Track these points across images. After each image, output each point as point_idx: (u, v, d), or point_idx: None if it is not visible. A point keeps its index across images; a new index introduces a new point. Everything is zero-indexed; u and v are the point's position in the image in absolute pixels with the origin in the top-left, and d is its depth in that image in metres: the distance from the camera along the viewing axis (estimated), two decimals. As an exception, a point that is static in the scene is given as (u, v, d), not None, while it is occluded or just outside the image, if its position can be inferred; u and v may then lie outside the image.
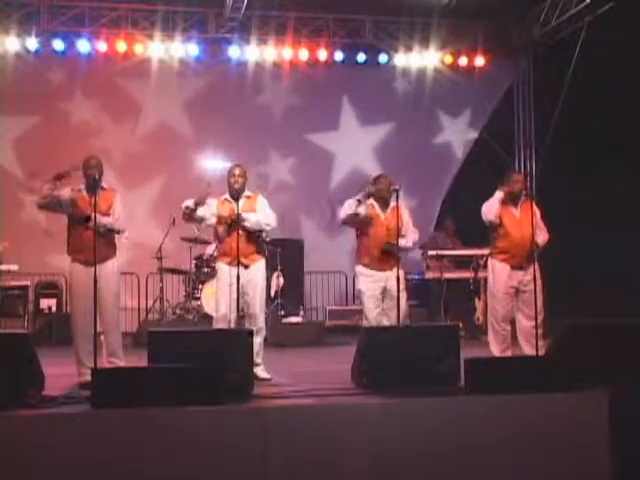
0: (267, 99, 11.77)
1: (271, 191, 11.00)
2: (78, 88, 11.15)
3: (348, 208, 6.26)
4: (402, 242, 6.27)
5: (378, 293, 6.32)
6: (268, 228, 6.36)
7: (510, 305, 6.36)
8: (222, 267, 6.27)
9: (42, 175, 6.49)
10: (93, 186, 5.91)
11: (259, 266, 6.31)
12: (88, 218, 5.77)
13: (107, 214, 5.98)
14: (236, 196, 6.18)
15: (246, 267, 6.15)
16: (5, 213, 10.50)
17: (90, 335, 5.47)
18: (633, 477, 4.57)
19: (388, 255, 6.27)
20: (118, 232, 6.09)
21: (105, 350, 5.97)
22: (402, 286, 6.13)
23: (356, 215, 6.23)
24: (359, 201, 6.22)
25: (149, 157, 11.36)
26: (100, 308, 5.76)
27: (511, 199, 6.48)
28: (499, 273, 6.37)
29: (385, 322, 6.27)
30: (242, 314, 6.21)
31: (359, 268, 6.47)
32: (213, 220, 6.30)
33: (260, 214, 6.29)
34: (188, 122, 11.55)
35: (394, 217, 6.18)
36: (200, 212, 6.20)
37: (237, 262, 5.94)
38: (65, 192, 5.96)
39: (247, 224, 6.16)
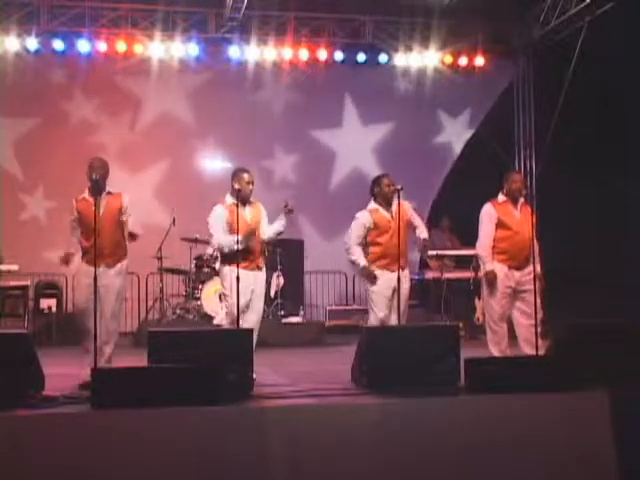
0: (268, 98, 11.75)
1: (272, 190, 11.02)
2: (78, 87, 11.14)
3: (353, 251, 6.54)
4: (423, 234, 6.62)
5: (389, 293, 6.39)
6: None
7: (507, 305, 6.36)
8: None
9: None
10: (94, 187, 5.93)
11: (264, 270, 6.41)
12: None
13: (118, 219, 6.04)
14: (246, 203, 6.23)
15: (259, 269, 6.28)
16: (5, 213, 10.54)
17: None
18: (634, 477, 4.56)
19: (397, 256, 6.36)
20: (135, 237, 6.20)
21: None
22: (407, 286, 6.37)
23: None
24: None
25: (149, 150, 11.36)
26: (102, 309, 5.78)
27: (511, 199, 6.48)
28: (497, 274, 6.37)
29: (393, 320, 6.35)
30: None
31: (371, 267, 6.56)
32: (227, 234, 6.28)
33: (274, 226, 6.42)
34: (188, 120, 11.55)
35: (399, 216, 6.33)
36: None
37: (237, 264, 5.97)
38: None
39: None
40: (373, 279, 6.42)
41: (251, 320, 6.14)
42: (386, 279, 6.38)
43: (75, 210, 6.07)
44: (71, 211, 6.13)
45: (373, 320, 6.45)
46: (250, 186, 6.26)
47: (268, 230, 6.40)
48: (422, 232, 6.65)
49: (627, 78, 9.77)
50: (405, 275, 6.39)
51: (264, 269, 6.41)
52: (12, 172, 10.95)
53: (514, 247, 6.36)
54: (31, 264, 9.91)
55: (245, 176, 6.28)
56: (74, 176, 6.34)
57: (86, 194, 6.07)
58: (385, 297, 6.40)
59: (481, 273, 6.57)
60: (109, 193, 6.10)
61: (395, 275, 6.28)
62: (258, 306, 6.28)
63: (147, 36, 10.89)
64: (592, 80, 10.27)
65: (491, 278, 6.35)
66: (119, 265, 6.11)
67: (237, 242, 5.96)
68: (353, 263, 6.61)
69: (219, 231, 6.17)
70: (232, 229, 6.07)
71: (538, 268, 6.34)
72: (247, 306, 6.12)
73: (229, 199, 6.24)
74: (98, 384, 4.40)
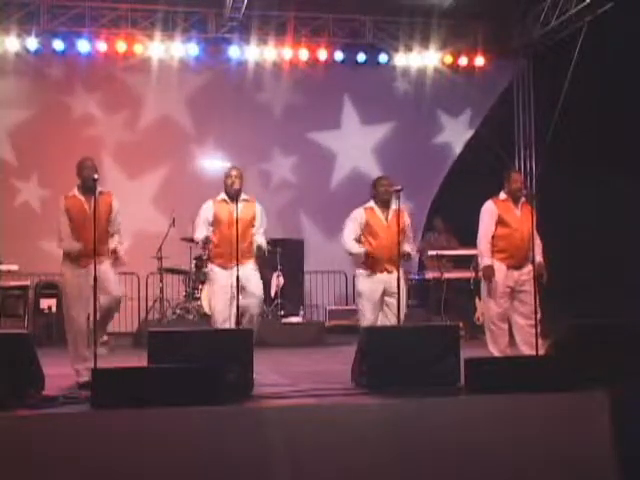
0: (268, 98, 11.76)
1: (272, 190, 11.02)
2: (78, 85, 11.14)
3: (349, 245, 6.42)
4: (408, 248, 6.33)
5: (377, 296, 6.32)
6: None
7: (507, 304, 6.36)
8: (215, 270, 6.32)
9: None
10: (93, 186, 5.93)
11: (250, 266, 6.35)
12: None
13: (107, 218, 6.02)
14: (235, 198, 6.18)
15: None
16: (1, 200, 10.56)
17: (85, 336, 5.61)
18: (634, 477, 4.56)
19: (386, 259, 6.29)
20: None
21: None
22: (403, 286, 6.20)
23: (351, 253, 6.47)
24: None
25: (149, 149, 11.35)
26: (100, 304, 5.79)
27: (512, 199, 6.49)
28: (496, 272, 6.36)
29: (385, 321, 6.29)
30: (242, 312, 6.18)
31: (360, 270, 6.47)
32: (210, 228, 6.37)
33: (260, 237, 6.38)
34: (188, 119, 11.54)
35: (396, 220, 6.13)
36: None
37: (236, 262, 5.94)
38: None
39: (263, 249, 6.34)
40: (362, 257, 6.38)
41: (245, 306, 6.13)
42: (374, 281, 6.33)
43: (64, 207, 5.99)
44: (59, 208, 6.04)
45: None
46: (237, 180, 6.26)
47: (259, 236, 6.37)
48: (408, 247, 6.41)
49: (627, 78, 9.77)
50: (398, 277, 6.14)
51: (246, 266, 6.26)
52: (6, 159, 10.92)
53: (512, 245, 6.35)
54: (28, 256, 9.89)
55: (231, 172, 6.35)
56: (69, 165, 6.31)
57: (76, 191, 6.04)
58: (372, 301, 6.32)
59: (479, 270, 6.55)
60: (100, 193, 6.07)
61: (383, 277, 6.26)
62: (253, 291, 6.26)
63: (147, 36, 10.90)
64: (592, 80, 10.27)
65: (488, 273, 6.32)
66: (105, 262, 6.03)
67: (202, 242, 6.24)
68: (350, 254, 6.48)
69: (199, 225, 6.39)
70: (217, 223, 6.29)
71: (540, 259, 6.33)
72: (227, 305, 6.08)
73: (222, 195, 6.36)
74: (98, 384, 4.39)
